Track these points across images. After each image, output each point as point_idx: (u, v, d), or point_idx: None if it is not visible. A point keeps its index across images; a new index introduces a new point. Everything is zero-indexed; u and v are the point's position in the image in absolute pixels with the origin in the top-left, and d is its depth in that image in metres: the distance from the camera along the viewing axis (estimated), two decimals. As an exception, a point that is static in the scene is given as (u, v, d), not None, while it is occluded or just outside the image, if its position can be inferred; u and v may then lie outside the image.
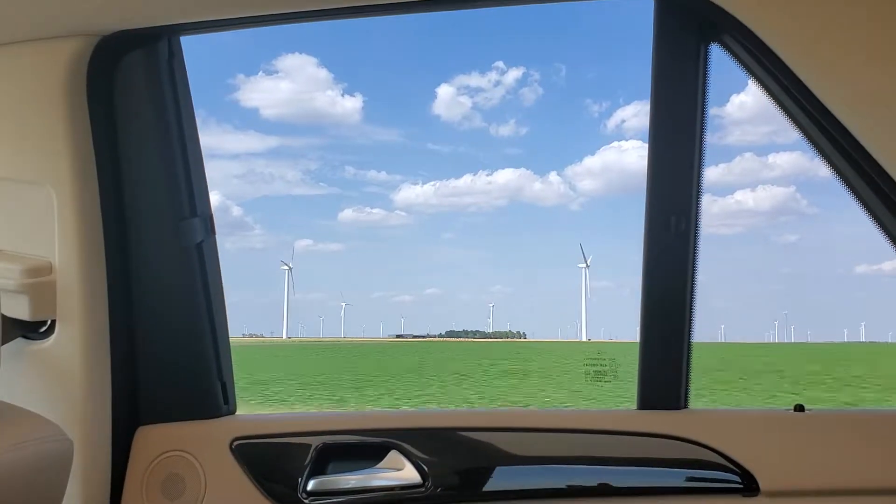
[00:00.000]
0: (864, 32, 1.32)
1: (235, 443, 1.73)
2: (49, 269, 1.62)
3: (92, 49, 1.64)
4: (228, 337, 1.85)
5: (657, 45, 1.59)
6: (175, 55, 1.75)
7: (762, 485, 1.56)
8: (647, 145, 1.67)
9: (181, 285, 1.77)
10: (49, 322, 1.65)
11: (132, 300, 1.75)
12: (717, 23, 1.50)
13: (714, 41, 1.56)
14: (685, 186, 1.62)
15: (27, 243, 1.64)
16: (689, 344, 1.68)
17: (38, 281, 1.60)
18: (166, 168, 1.74)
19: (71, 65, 1.62)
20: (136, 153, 1.73)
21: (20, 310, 1.60)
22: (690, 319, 1.67)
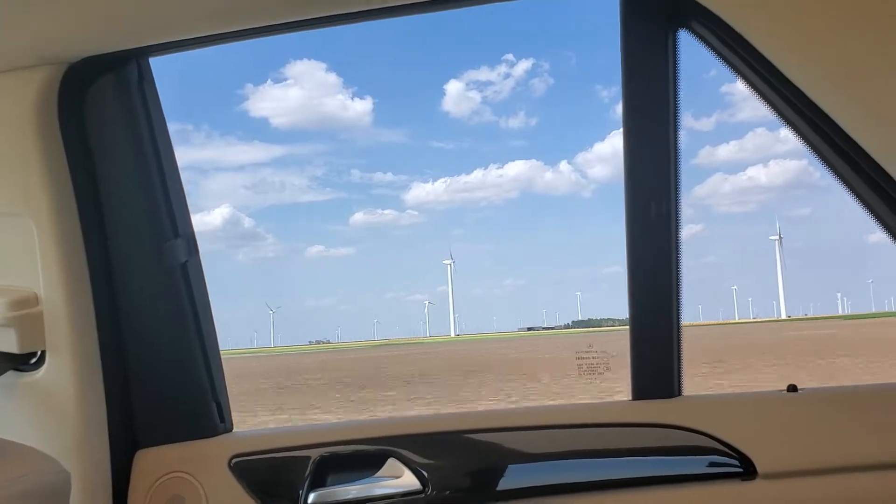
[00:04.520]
0: (831, 10, 1.29)
1: (234, 460, 1.73)
2: (35, 300, 1.63)
3: (61, 77, 1.64)
4: (220, 355, 1.85)
5: (624, 34, 1.59)
6: (145, 77, 1.74)
7: (760, 468, 1.56)
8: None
9: (168, 307, 1.77)
10: (39, 353, 1.65)
11: (121, 325, 1.75)
12: (682, 9, 1.50)
13: (682, 27, 1.56)
14: (663, 172, 1.61)
15: (11, 276, 1.65)
16: (679, 330, 1.67)
17: (25, 313, 1.61)
18: (145, 191, 1.74)
19: (40, 94, 1.62)
20: (113, 179, 1.73)
21: (8, 343, 1.60)
22: (678, 305, 1.66)
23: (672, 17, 1.55)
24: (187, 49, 1.71)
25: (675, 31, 1.57)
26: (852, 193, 1.42)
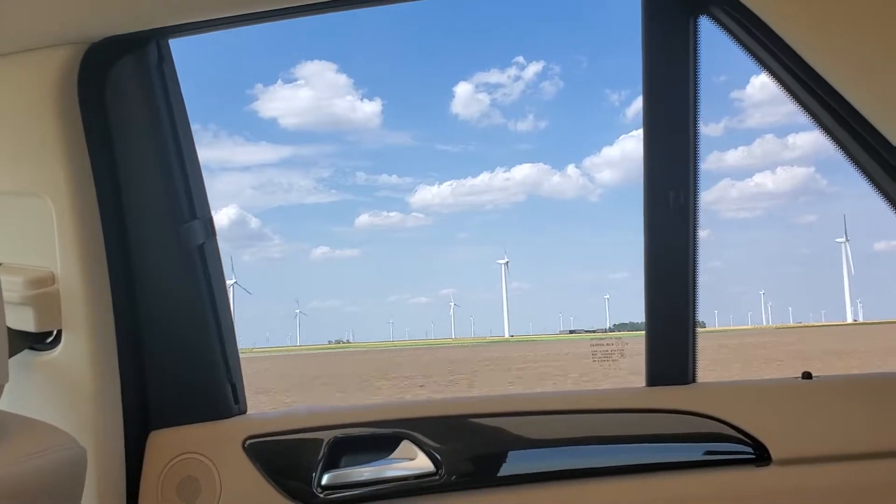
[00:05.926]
0: None
1: (248, 442, 1.74)
2: (52, 279, 1.64)
3: (81, 57, 1.64)
4: (235, 337, 1.85)
5: (645, 20, 1.59)
6: (165, 58, 1.74)
7: (774, 454, 1.56)
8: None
9: (185, 288, 1.77)
10: (55, 332, 1.66)
11: (137, 306, 1.76)
12: None
13: (703, 14, 1.56)
14: (682, 161, 1.62)
15: (28, 255, 1.66)
16: (695, 318, 1.68)
17: (42, 292, 1.62)
18: (163, 172, 1.74)
19: (61, 74, 1.62)
20: (132, 159, 1.74)
21: (25, 322, 1.61)
22: (694, 293, 1.67)
23: (693, 3, 1.55)
24: (207, 31, 1.71)
25: (696, 17, 1.57)
26: (875, 187, 1.41)
